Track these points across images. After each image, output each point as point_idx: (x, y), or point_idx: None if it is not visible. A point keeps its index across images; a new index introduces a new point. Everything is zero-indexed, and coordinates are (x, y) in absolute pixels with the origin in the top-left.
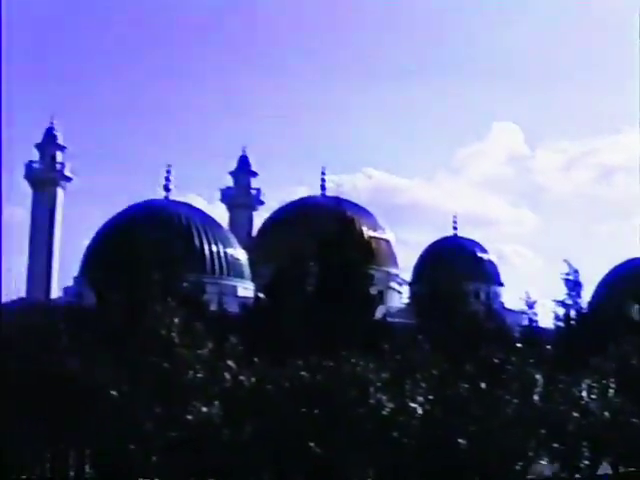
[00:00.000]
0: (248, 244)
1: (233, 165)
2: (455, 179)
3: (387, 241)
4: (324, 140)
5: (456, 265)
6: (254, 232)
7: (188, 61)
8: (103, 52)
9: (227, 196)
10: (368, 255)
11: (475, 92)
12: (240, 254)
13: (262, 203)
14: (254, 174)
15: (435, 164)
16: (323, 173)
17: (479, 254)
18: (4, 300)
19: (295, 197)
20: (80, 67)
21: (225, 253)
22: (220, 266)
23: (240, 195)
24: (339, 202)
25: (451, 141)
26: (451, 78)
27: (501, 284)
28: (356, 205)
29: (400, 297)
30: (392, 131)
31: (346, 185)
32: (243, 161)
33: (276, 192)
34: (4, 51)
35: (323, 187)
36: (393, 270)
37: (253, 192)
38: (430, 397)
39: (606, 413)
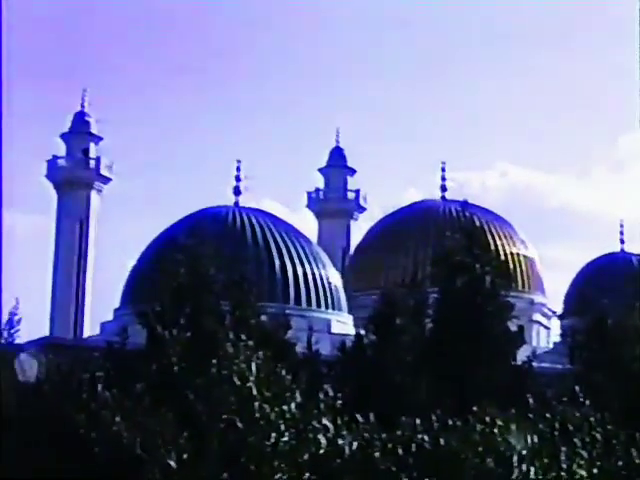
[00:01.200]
0: (344, 264)
1: (323, 161)
2: (619, 175)
3: (530, 259)
4: (437, 129)
5: (625, 290)
6: (352, 248)
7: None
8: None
9: (316, 201)
10: (506, 278)
11: None
12: (334, 277)
13: (363, 210)
14: (352, 171)
15: (592, 156)
16: (443, 169)
17: None
18: (20, 341)
19: (405, 202)
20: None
21: (314, 276)
22: (308, 293)
23: (333, 199)
24: (466, 207)
25: (612, 126)
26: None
27: None
28: (488, 211)
29: (548, 334)
30: (528, 115)
31: (473, 185)
32: (337, 154)
33: (379, 195)
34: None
35: (443, 188)
36: (538, 298)
37: (351, 195)
38: (594, 470)
39: None
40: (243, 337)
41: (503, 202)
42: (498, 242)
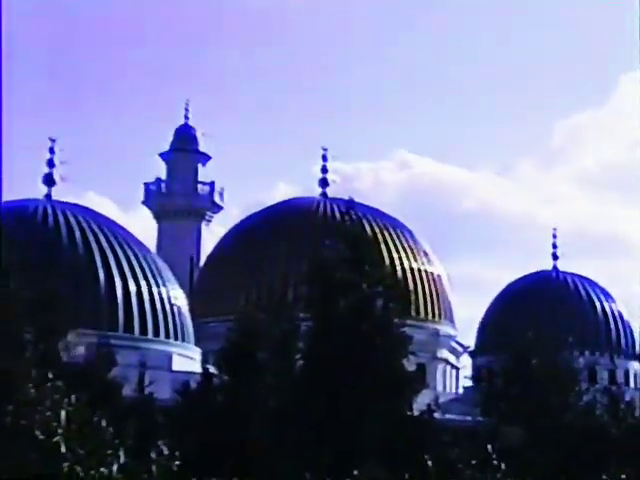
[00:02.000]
0: (192, 280)
1: (166, 144)
2: (552, 169)
3: (435, 277)
4: (318, 109)
5: (557, 320)
6: (203, 259)
7: None
8: None
9: (155, 195)
10: (402, 302)
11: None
12: (178, 297)
13: (218, 209)
14: (205, 158)
15: (518, 147)
16: (324, 158)
17: (602, 302)
18: None
19: (273, 199)
20: None
21: (152, 295)
22: (142, 318)
23: (178, 194)
24: (352, 207)
25: (546, 111)
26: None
27: None
28: (381, 213)
29: (457, 375)
30: (437, 94)
31: (363, 179)
32: (184, 134)
33: (240, 191)
34: None
35: (324, 182)
36: (446, 328)
37: (203, 189)
38: None
39: None
40: (50, 375)
41: (402, 202)
42: (394, 254)
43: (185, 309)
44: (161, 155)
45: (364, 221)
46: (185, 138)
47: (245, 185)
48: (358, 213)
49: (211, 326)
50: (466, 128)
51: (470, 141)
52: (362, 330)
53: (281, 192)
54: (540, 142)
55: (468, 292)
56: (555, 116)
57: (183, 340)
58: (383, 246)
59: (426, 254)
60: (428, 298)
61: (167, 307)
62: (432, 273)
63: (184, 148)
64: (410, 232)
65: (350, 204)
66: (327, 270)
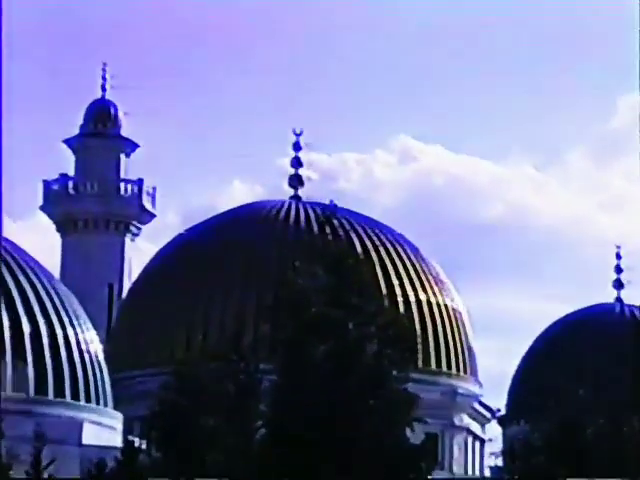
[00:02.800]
0: (111, 316)
1: (74, 127)
2: (611, 161)
3: (452, 312)
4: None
5: (624, 376)
6: (127, 285)
7: None
8: None
9: (56, 197)
10: (403, 347)
11: None
12: (90, 340)
13: (150, 217)
14: (130, 145)
15: (568, 130)
16: (297, 146)
17: None
18: None
19: (224, 204)
20: None
21: (54, 337)
22: (39, 373)
23: (91, 196)
24: (333, 214)
25: (609, 81)
26: None
27: None
28: (372, 221)
29: (481, 449)
30: (455, 63)
31: (350, 175)
32: (98, 111)
33: (179, 192)
34: None
35: (296, 179)
36: (465, 384)
37: (126, 189)
38: None
39: None
40: None
41: (403, 207)
42: (394, 280)
43: (101, 358)
44: (67, 142)
45: (351, 234)
46: (101, 118)
47: (186, 184)
48: (343, 223)
49: (137, 382)
50: (492, 105)
51: (498, 122)
52: (348, 386)
53: (237, 193)
54: (596, 124)
55: (496, 334)
56: (617, 91)
57: (97, 402)
58: (378, 269)
59: (439, 280)
60: (442, 342)
61: (75, 355)
62: (447, 307)
63: (100, 132)
64: (416, 249)
65: (331, 210)
66: (299, 303)
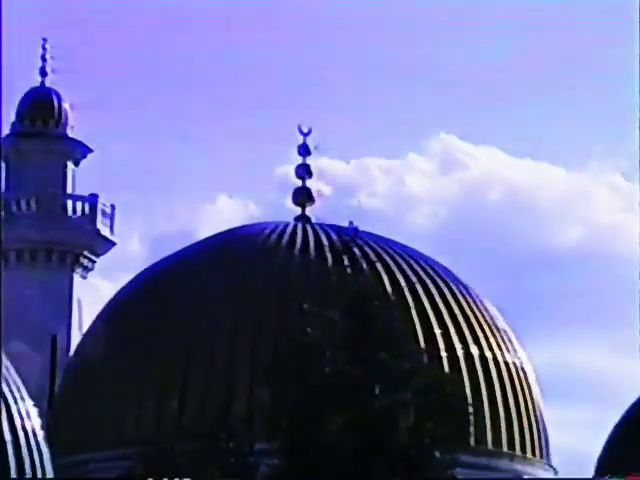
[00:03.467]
0: (55, 379)
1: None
2: None
3: (517, 371)
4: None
5: None
6: (75, 338)
7: None
8: None
9: None
10: (450, 420)
11: None
12: (27, 412)
13: (108, 245)
14: (79, 149)
15: None
16: (303, 150)
17: None
18: None
19: (209, 226)
20: None
21: None
22: None
23: (25, 217)
24: (353, 241)
25: None
26: None
27: None
28: (411, 252)
29: None
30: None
31: (374, 189)
32: (38, 102)
33: (143, 213)
34: None
35: (303, 195)
36: (535, 470)
37: (75, 208)
38: None
39: None
40: None
41: (448, 230)
42: (435, 327)
43: (40, 437)
44: None
45: (377, 266)
46: (40, 113)
47: (155, 201)
48: (366, 251)
49: (90, 469)
50: (564, 96)
51: (574, 117)
52: (373, 473)
53: (223, 213)
54: None
55: (575, 401)
56: None
57: None
58: (414, 313)
59: (497, 328)
60: (502, 413)
61: (7, 434)
62: (508, 364)
63: (39, 132)
64: (465, 287)
65: (351, 234)
66: (308, 360)
